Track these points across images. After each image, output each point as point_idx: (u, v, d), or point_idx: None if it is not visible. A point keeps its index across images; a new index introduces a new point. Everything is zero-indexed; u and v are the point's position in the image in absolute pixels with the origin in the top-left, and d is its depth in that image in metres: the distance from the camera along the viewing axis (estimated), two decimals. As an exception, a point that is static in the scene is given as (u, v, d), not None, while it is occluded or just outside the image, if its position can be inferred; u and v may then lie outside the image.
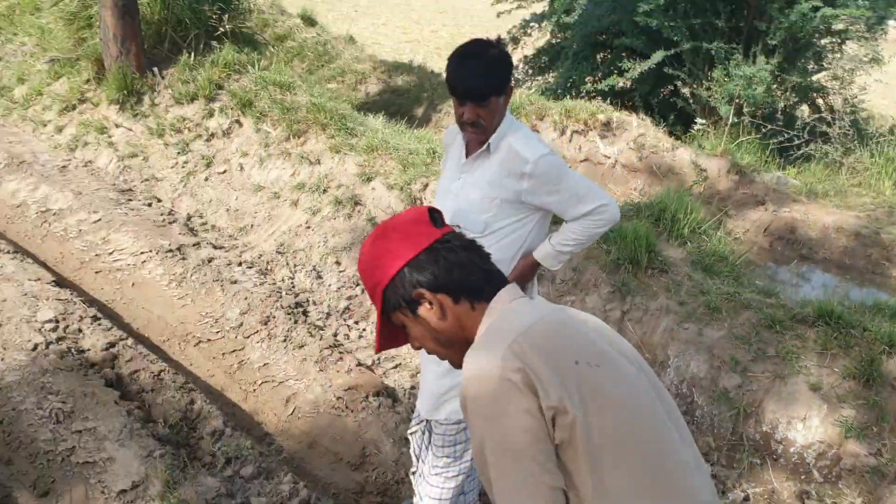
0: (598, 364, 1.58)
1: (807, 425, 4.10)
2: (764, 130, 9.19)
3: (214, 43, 7.42)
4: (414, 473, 3.33)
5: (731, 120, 9.24)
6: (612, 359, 1.64)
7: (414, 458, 3.33)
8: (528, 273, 2.93)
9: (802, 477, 4.03)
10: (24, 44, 8.66)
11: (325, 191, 6.08)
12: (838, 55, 9.71)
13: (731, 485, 4.11)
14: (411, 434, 3.35)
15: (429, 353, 1.78)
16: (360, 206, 5.96)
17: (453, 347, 1.73)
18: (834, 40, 9.90)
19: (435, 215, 1.73)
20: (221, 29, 7.42)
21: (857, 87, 9.96)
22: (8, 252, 5.15)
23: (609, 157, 8.34)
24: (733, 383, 4.34)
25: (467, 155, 2.95)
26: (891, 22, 10.26)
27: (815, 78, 9.95)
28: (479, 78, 2.70)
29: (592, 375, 1.55)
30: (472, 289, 1.69)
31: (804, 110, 10.20)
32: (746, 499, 4.02)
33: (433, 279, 1.66)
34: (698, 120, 9.31)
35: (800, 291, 6.27)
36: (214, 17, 7.42)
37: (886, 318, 4.60)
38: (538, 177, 2.75)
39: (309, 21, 11.90)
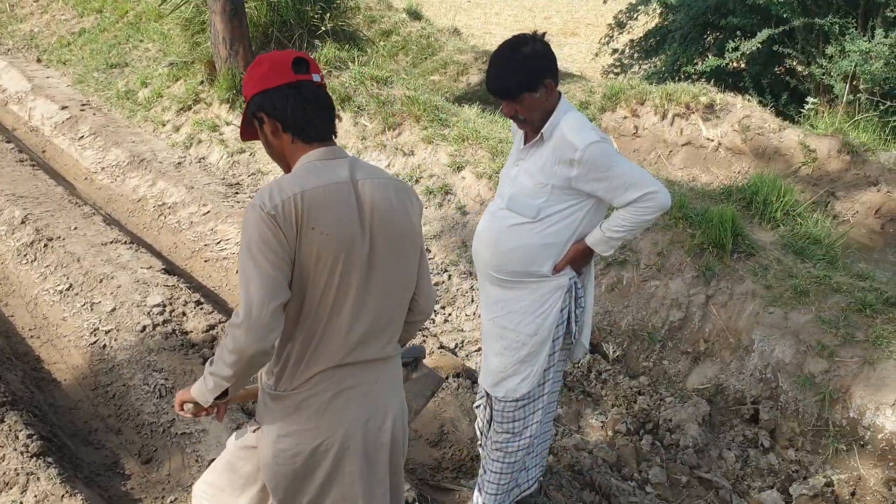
0: (328, 234, 2.04)
1: (897, 412, 3.94)
2: (883, 108, 8.72)
3: (317, 42, 7.76)
4: (481, 446, 3.46)
5: (846, 98, 8.82)
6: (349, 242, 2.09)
7: (478, 433, 3.46)
8: (580, 258, 2.98)
9: (891, 464, 3.88)
10: (148, 49, 9.31)
11: (417, 181, 6.28)
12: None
13: (814, 470, 4.02)
14: (476, 408, 3.49)
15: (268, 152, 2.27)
16: (451, 194, 6.12)
17: (280, 161, 2.25)
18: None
19: (300, 63, 2.15)
20: (323, 28, 7.74)
21: None
22: (125, 243, 5.62)
23: (712, 140, 8.15)
24: (819, 368, 4.22)
25: (525, 143, 3.05)
26: None
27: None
28: (506, 78, 2.83)
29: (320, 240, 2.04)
30: (297, 128, 2.14)
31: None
32: (829, 485, 3.92)
33: (272, 109, 2.13)
34: (809, 99, 8.93)
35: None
36: (317, 16, 7.75)
37: None
38: (586, 164, 2.80)
39: (415, 15, 12.17)
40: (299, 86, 2.12)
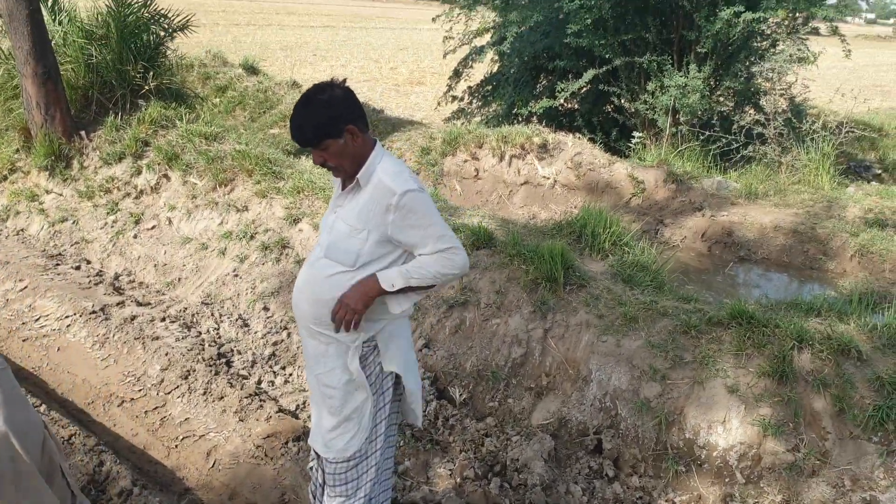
0: None
1: (727, 428, 4.06)
2: (702, 137, 9.27)
3: (141, 101, 7.45)
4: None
5: (669, 130, 9.33)
6: None
7: (311, 497, 3.29)
8: (361, 291, 2.79)
9: (726, 480, 3.98)
10: (-42, 119, 8.68)
11: (252, 237, 6.08)
12: (773, 56, 9.82)
13: (657, 495, 4.07)
14: (309, 469, 3.32)
15: None
16: (289, 248, 5.95)
17: None
18: (764, 43, 10.04)
19: None
20: (147, 87, 7.45)
21: (799, 85, 10.08)
22: (-74, 329, 5.11)
23: (548, 178, 8.38)
24: (654, 392, 4.31)
25: (342, 189, 2.97)
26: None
27: (757, 81, 10.09)
28: (305, 127, 2.76)
29: None
30: None
31: (750, 113, 10.27)
32: (672, 508, 3.98)
33: None
34: (635, 133, 9.39)
35: (735, 294, 6.27)
36: (139, 76, 7.45)
37: (801, 313, 4.60)
38: (402, 209, 2.75)
39: (251, 70, 12.03)
40: None
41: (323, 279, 2.90)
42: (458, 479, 4.18)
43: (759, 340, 4.27)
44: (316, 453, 3.17)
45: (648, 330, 4.57)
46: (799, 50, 9.31)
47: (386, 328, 2.96)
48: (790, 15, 9.63)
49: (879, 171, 11.21)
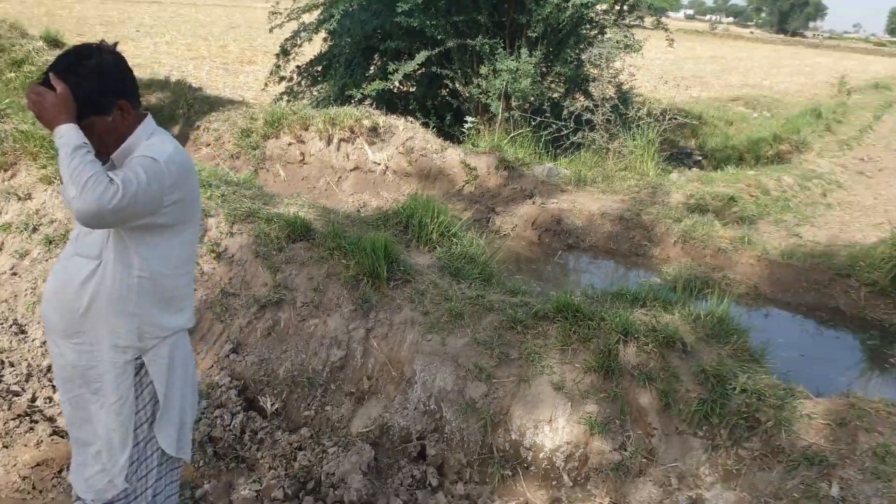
0: None
1: (553, 427, 3.85)
2: (534, 123, 9.20)
3: None
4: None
5: (501, 115, 9.18)
6: None
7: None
8: (59, 109, 2.19)
9: (553, 483, 3.78)
10: None
11: (35, 229, 5.32)
12: (601, 42, 9.90)
13: (482, 502, 3.80)
14: None
15: None
16: (80, 243, 5.24)
17: None
18: (593, 31, 10.12)
19: None
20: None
21: (626, 73, 10.23)
22: None
23: (379, 164, 8.01)
24: (479, 392, 4.03)
25: None
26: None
27: (586, 67, 10.16)
28: None
29: None
30: None
31: (580, 100, 10.32)
32: (498, 517, 3.73)
33: None
34: (468, 118, 9.19)
35: (564, 283, 6.16)
36: None
37: (627, 303, 4.48)
38: (131, 164, 2.26)
39: (54, 43, 10.88)
40: None
41: (72, 283, 2.39)
42: (266, 502, 3.74)
43: (585, 334, 4.10)
44: (77, 496, 2.66)
45: (475, 326, 4.29)
46: (625, 37, 9.43)
47: (156, 348, 2.49)
48: (616, 3, 9.74)
49: (700, 158, 11.66)
